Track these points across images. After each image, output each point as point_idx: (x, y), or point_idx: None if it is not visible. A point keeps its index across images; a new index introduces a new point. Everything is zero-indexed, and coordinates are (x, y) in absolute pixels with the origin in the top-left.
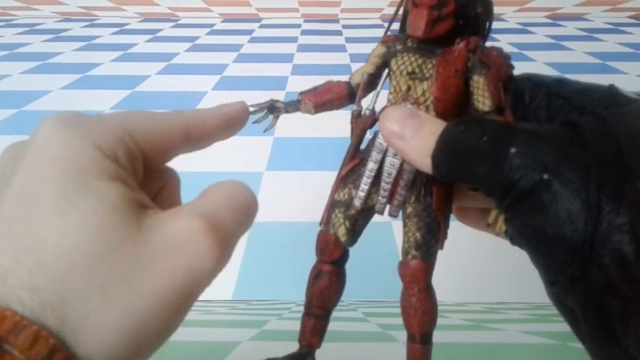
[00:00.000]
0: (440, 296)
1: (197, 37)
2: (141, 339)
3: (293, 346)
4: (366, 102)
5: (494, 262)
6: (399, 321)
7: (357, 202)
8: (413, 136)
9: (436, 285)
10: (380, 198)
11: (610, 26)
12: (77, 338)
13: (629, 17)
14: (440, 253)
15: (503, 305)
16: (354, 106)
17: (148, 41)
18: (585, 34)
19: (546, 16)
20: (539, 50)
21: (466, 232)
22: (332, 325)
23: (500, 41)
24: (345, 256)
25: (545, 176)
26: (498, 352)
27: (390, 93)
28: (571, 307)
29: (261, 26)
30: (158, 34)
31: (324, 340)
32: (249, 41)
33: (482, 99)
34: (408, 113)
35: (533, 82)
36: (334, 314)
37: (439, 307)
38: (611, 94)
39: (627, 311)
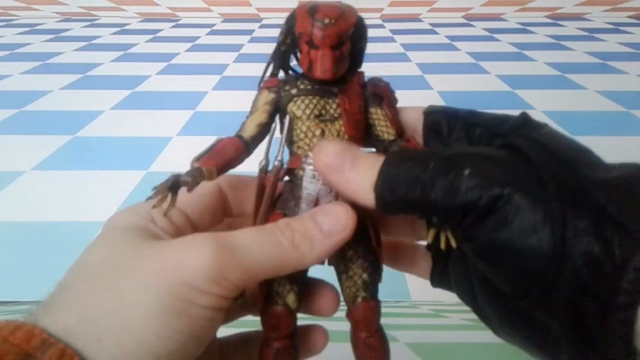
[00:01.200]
0: (440, 296)
1: (197, 37)
2: (148, 347)
3: None
4: (258, 154)
5: None
6: (399, 321)
7: None
8: (352, 169)
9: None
10: None
11: (610, 26)
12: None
13: (629, 17)
14: None
15: None
16: (261, 161)
17: (148, 41)
18: (585, 33)
19: (546, 16)
20: (539, 50)
21: None
22: (332, 325)
23: (501, 41)
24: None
25: (506, 190)
26: (498, 352)
27: (300, 139)
28: (540, 324)
29: (261, 26)
30: (158, 34)
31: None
32: (249, 41)
33: (386, 129)
34: (343, 146)
35: (449, 114)
36: (334, 314)
37: (439, 307)
38: (524, 121)
39: (603, 311)
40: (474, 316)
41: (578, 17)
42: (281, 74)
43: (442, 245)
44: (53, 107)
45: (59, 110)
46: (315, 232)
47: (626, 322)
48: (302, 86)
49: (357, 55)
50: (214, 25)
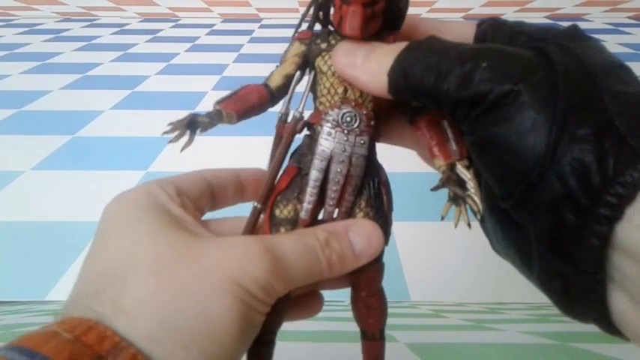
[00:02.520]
0: (440, 296)
1: (197, 38)
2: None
3: None
4: (278, 107)
5: (495, 262)
6: (399, 321)
7: (305, 215)
8: (365, 61)
9: (436, 285)
10: (327, 207)
11: (610, 26)
12: None
13: (629, 17)
14: (440, 254)
15: (503, 305)
16: (281, 110)
17: (148, 41)
18: None
19: (546, 17)
20: None
21: (466, 232)
22: (332, 325)
23: None
24: None
25: (516, 87)
26: (498, 352)
27: (323, 95)
28: (519, 228)
29: (261, 26)
30: (158, 35)
31: (324, 340)
32: (249, 41)
33: None
34: (357, 44)
35: (496, 22)
36: (335, 314)
37: (439, 307)
38: (573, 32)
39: (583, 222)
40: (473, 316)
41: (577, 18)
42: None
43: (455, 220)
44: (53, 107)
45: (59, 110)
46: (349, 255)
47: (603, 236)
48: (333, 42)
49: (396, 16)
50: (214, 25)
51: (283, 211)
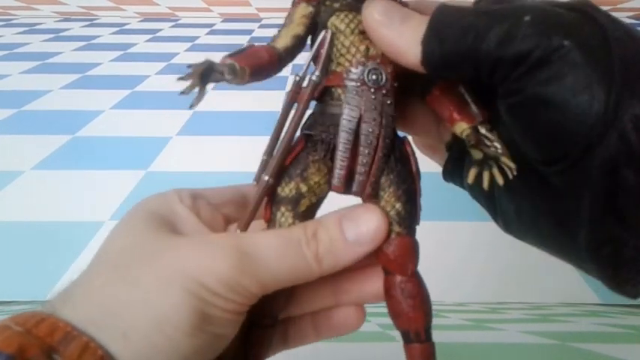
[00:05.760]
0: (440, 296)
1: (197, 37)
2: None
3: None
4: (287, 70)
5: (495, 262)
6: None
7: (338, 182)
8: (403, 23)
9: (436, 285)
10: (358, 176)
11: None
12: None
13: (629, 17)
14: (440, 254)
15: (503, 305)
16: (298, 73)
17: (147, 41)
18: None
19: None
20: None
21: (466, 232)
22: None
23: None
24: None
25: (566, 42)
26: (498, 352)
27: (342, 55)
28: (562, 199)
29: (261, 26)
30: (158, 34)
31: (325, 340)
32: (249, 41)
33: None
34: (393, 5)
35: None
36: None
37: (439, 307)
38: (585, 3)
39: None
40: (473, 315)
41: None
42: None
43: (485, 185)
44: (52, 107)
45: (58, 110)
46: (340, 244)
47: None
48: (345, 1)
49: None
50: (214, 25)
51: (285, 189)
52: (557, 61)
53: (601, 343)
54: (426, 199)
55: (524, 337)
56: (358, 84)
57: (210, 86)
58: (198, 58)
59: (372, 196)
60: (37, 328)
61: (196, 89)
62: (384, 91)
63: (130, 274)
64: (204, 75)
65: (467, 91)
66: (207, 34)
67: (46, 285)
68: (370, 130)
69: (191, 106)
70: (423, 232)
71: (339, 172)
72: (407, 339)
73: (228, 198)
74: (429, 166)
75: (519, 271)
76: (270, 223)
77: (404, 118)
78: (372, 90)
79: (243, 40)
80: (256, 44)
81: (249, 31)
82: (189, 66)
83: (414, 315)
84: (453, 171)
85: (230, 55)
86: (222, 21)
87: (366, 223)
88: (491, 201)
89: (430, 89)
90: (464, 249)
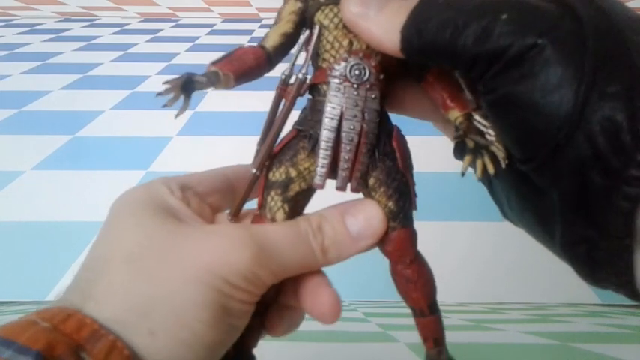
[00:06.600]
0: (440, 296)
1: (197, 37)
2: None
3: None
4: (280, 68)
5: (495, 262)
6: (399, 321)
7: (319, 181)
8: (378, 13)
9: (436, 285)
10: (340, 171)
11: None
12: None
13: None
14: (440, 253)
15: (503, 305)
16: (284, 71)
17: (148, 41)
18: None
19: None
20: None
21: (466, 232)
22: (332, 325)
23: None
24: None
25: (540, 41)
26: (498, 352)
27: (326, 51)
28: (542, 197)
29: (261, 26)
30: (158, 34)
31: (325, 340)
32: (249, 41)
33: None
34: None
35: None
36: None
37: (439, 307)
38: None
39: (612, 184)
40: (473, 316)
41: None
42: None
43: (478, 173)
44: (53, 107)
45: (59, 110)
46: (344, 238)
47: (633, 198)
48: None
49: None
50: (214, 25)
51: (275, 174)
52: (530, 59)
53: (601, 343)
54: (426, 199)
55: (524, 337)
56: (341, 80)
57: (210, 89)
58: (199, 58)
59: (358, 191)
60: (64, 324)
61: (181, 99)
62: (367, 86)
63: (152, 270)
64: (185, 87)
65: (462, 76)
66: (208, 34)
67: (46, 285)
68: (352, 127)
69: (176, 117)
70: (423, 232)
71: (320, 169)
72: (414, 314)
73: (214, 187)
74: (429, 166)
75: (519, 271)
76: (262, 208)
77: (403, 102)
78: (355, 86)
79: (243, 41)
80: (247, 45)
81: (250, 32)
82: (166, 82)
83: (415, 296)
84: (462, 156)
85: (214, 62)
86: (223, 21)
87: (368, 218)
88: (492, 187)
89: (424, 75)
90: (464, 249)
